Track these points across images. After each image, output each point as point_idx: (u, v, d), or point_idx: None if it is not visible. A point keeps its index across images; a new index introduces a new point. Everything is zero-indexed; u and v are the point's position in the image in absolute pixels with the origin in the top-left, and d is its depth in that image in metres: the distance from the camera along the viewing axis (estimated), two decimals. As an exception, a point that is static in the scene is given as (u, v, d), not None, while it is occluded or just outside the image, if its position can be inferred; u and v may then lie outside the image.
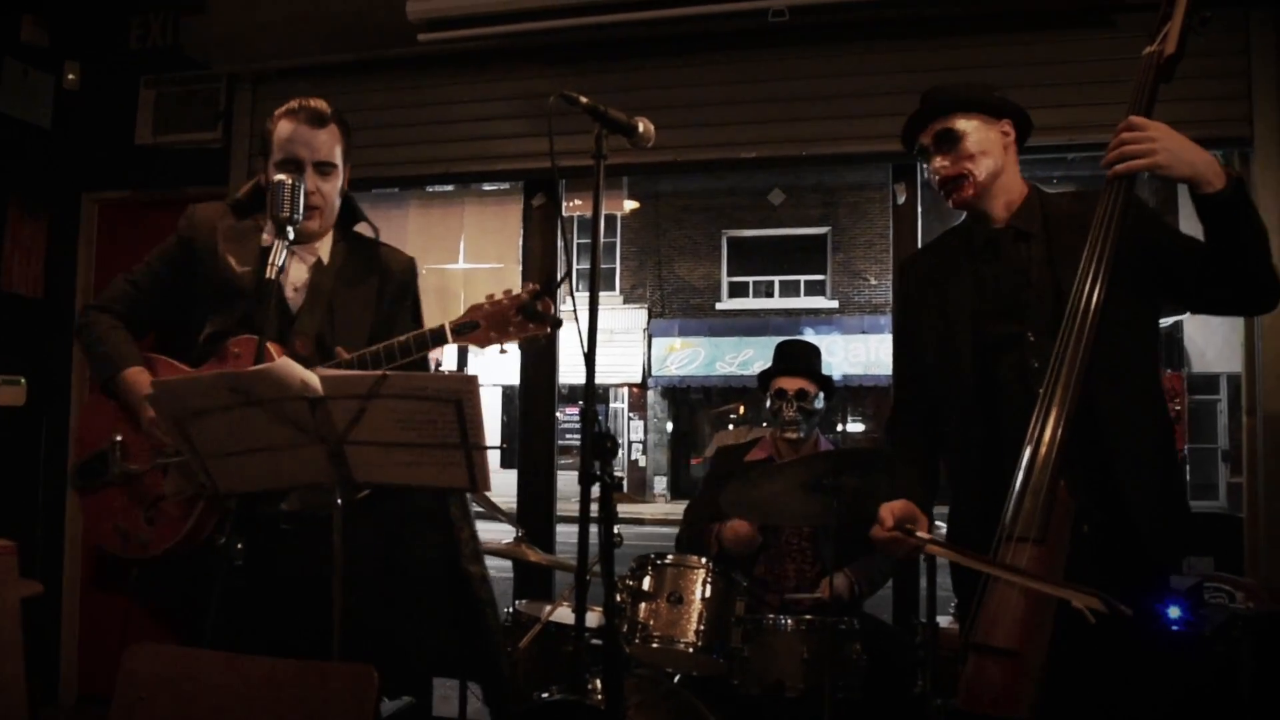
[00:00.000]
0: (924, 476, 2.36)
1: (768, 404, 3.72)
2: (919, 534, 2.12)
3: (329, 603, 2.03)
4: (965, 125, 2.26)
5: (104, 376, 2.46)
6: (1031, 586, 1.87)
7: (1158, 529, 2.09)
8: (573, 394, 15.86)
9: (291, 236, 2.27)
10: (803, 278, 19.52)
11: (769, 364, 3.79)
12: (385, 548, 2.55)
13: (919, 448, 2.40)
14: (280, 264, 2.23)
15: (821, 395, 3.68)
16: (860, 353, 18.20)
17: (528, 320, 2.28)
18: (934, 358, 2.34)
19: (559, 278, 2.19)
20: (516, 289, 2.34)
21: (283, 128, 2.48)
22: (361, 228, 2.69)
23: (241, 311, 2.41)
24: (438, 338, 2.32)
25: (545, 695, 2.91)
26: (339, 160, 2.51)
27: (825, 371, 3.79)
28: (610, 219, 18.59)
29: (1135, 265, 2.10)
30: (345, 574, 2.03)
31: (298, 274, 2.52)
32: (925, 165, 2.34)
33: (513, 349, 2.38)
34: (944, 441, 2.37)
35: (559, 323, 2.27)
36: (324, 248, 2.57)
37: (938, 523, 2.33)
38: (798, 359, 3.75)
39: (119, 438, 2.41)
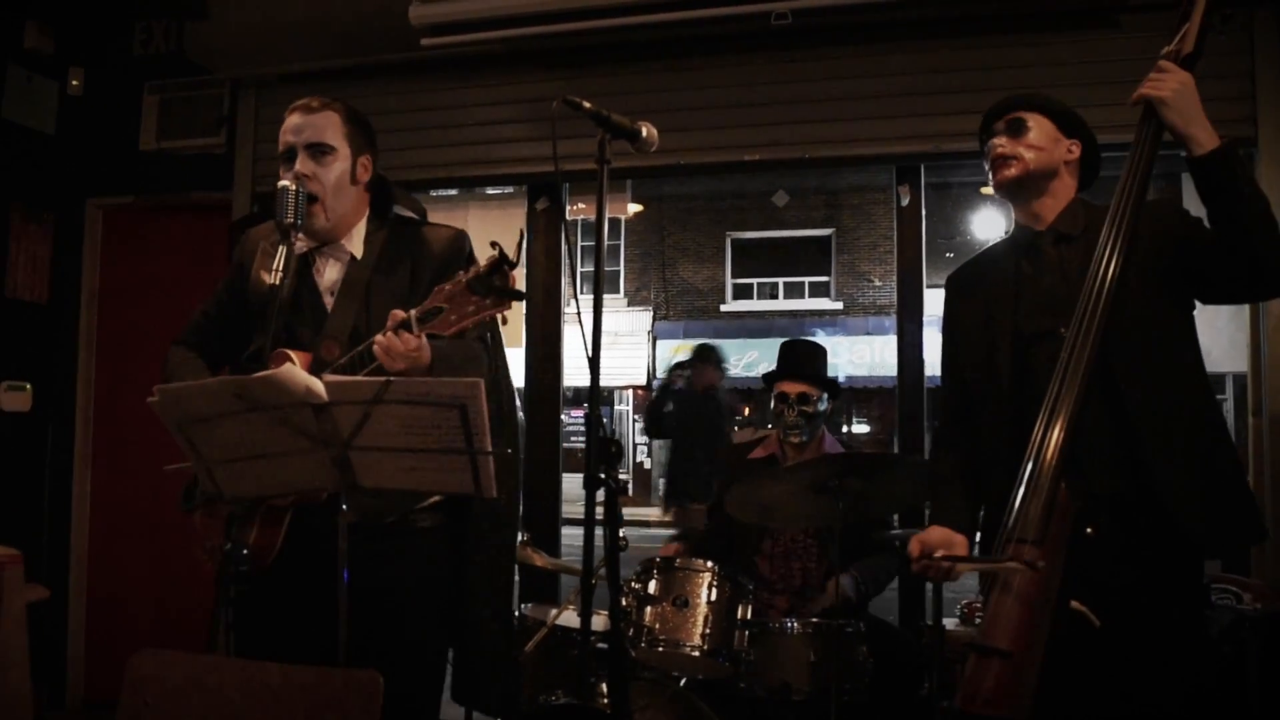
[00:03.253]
0: (967, 494, 2.38)
1: (771, 405, 3.72)
2: (938, 555, 2.18)
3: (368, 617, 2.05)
4: (1035, 121, 2.34)
5: None
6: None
7: (1200, 517, 2.07)
8: (577, 397, 15.88)
9: (296, 243, 2.26)
10: (807, 279, 19.45)
11: (774, 365, 3.79)
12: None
13: (964, 463, 2.40)
14: (284, 269, 2.21)
15: (825, 397, 3.67)
16: (865, 354, 18.13)
17: (484, 297, 2.01)
18: (975, 353, 2.37)
19: (517, 247, 2.00)
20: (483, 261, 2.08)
21: (283, 125, 2.46)
22: (405, 210, 2.57)
23: (281, 324, 2.35)
24: (404, 328, 2.10)
25: (551, 699, 2.91)
26: (337, 143, 2.43)
27: (830, 373, 3.78)
28: (614, 222, 18.59)
29: (1163, 259, 2.14)
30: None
31: (332, 275, 2.45)
32: (987, 145, 2.39)
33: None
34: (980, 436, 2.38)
35: (520, 295, 2.05)
36: (355, 243, 2.47)
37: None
38: (800, 363, 3.74)
39: None
